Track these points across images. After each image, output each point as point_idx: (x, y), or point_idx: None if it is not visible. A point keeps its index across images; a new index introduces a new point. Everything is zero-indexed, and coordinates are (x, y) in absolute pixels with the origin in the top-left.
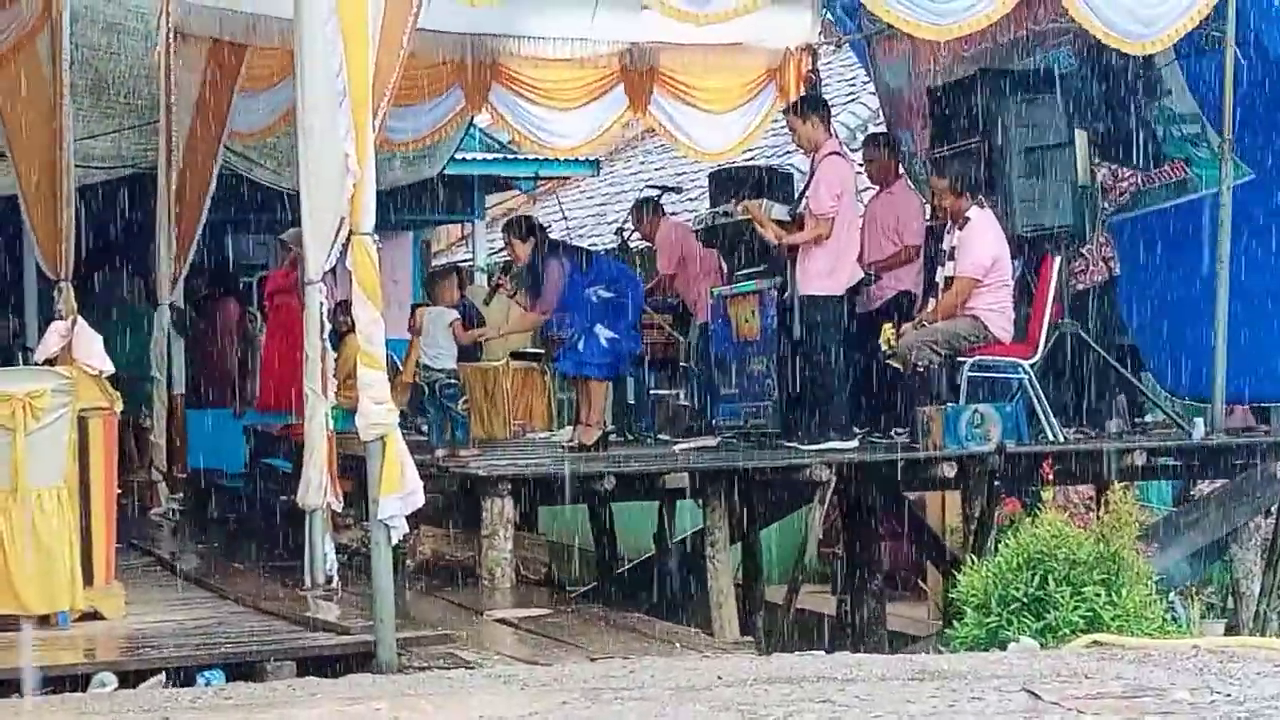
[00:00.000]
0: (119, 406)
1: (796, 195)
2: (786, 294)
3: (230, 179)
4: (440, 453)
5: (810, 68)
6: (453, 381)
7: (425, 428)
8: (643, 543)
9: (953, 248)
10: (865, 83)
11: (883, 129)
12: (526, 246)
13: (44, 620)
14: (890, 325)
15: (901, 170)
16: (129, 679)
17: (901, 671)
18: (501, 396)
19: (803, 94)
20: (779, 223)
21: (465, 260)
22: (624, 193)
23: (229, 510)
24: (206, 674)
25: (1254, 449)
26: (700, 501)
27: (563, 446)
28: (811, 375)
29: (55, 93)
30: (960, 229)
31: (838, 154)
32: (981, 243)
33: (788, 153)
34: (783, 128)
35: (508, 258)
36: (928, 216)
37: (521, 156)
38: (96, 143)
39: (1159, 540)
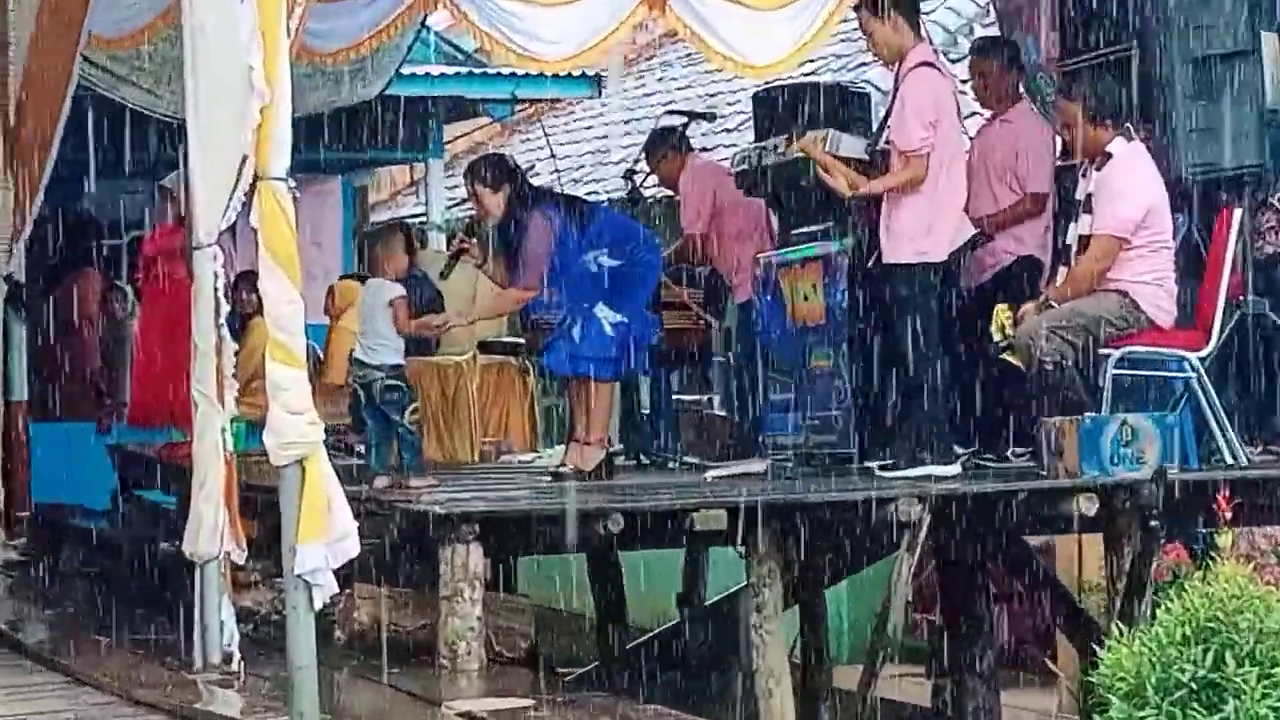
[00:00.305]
0: None
1: (876, 125)
2: (868, 263)
3: (89, 102)
4: (381, 482)
5: None
6: (397, 384)
7: (361, 448)
8: (662, 606)
9: (1089, 195)
10: None
11: (994, 32)
12: (500, 196)
13: None
14: (1006, 305)
15: (1022, 89)
16: None
17: None
18: (466, 404)
19: None
20: (851, 163)
21: (416, 216)
22: (635, 121)
23: (89, 562)
24: None
25: None
26: (743, 550)
27: (551, 473)
28: (900, 373)
29: None
30: (1099, 170)
31: (930, 65)
32: (1130, 188)
33: (862, 65)
34: (855, 30)
35: (474, 212)
36: (1059, 153)
37: (493, 71)
38: None
39: None
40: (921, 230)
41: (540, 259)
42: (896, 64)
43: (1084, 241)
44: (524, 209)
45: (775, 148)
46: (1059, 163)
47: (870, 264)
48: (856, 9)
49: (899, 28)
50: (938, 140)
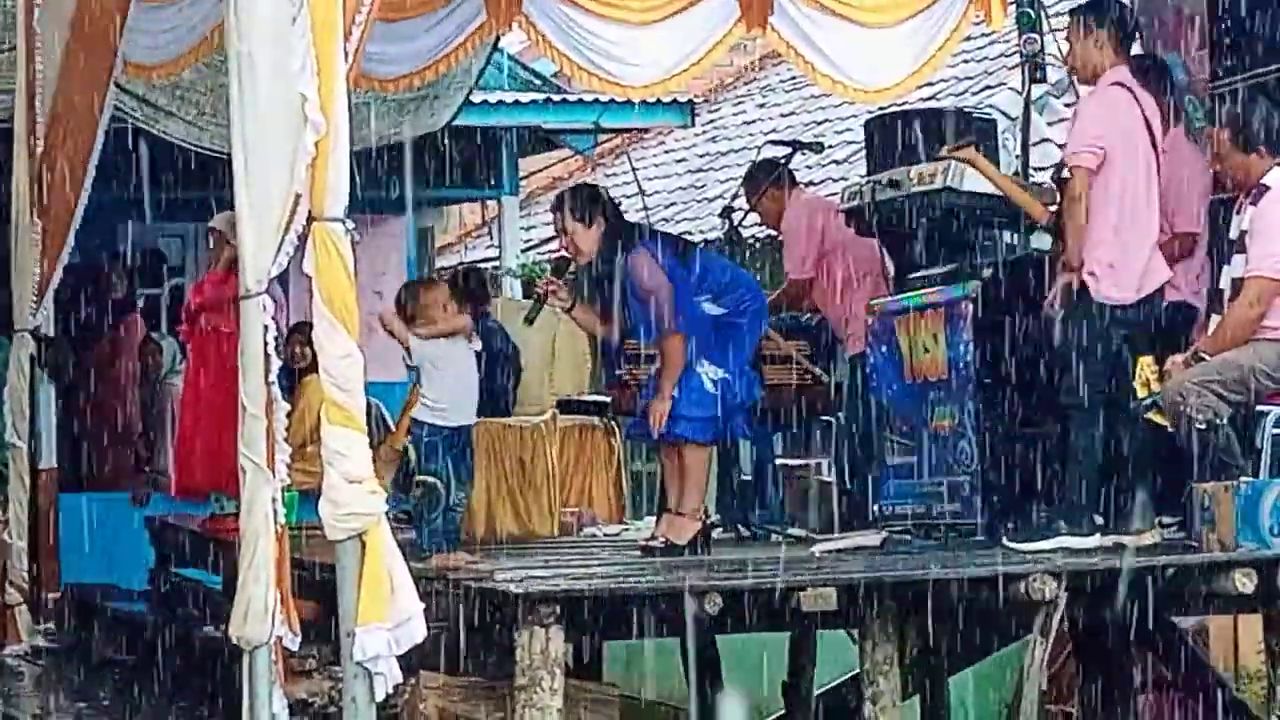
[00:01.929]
0: None
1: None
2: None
3: (127, 136)
4: (436, 560)
5: None
6: (461, 449)
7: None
8: (766, 696)
9: (1243, 233)
10: None
11: (1138, 50)
12: (593, 232)
13: None
14: (1151, 358)
15: (1171, 115)
16: None
17: None
18: (545, 470)
19: None
20: (981, 198)
21: (488, 259)
22: (733, 153)
23: (125, 649)
24: None
25: None
26: (856, 633)
27: (641, 547)
28: (1049, 430)
29: None
30: (1254, 204)
31: (1122, 85)
32: None
33: (987, 88)
34: (979, 49)
35: (561, 251)
36: (1213, 187)
37: (574, 98)
38: None
39: None
40: (1109, 264)
41: (665, 298)
42: (1090, 83)
43: (1236, 285)
44: (620, 247)
45: (893, 181)
46: (1213, 197)
47: (1013, 303)
48: (1073, 12)
49: (1102, 44)
50: (1121, 169)
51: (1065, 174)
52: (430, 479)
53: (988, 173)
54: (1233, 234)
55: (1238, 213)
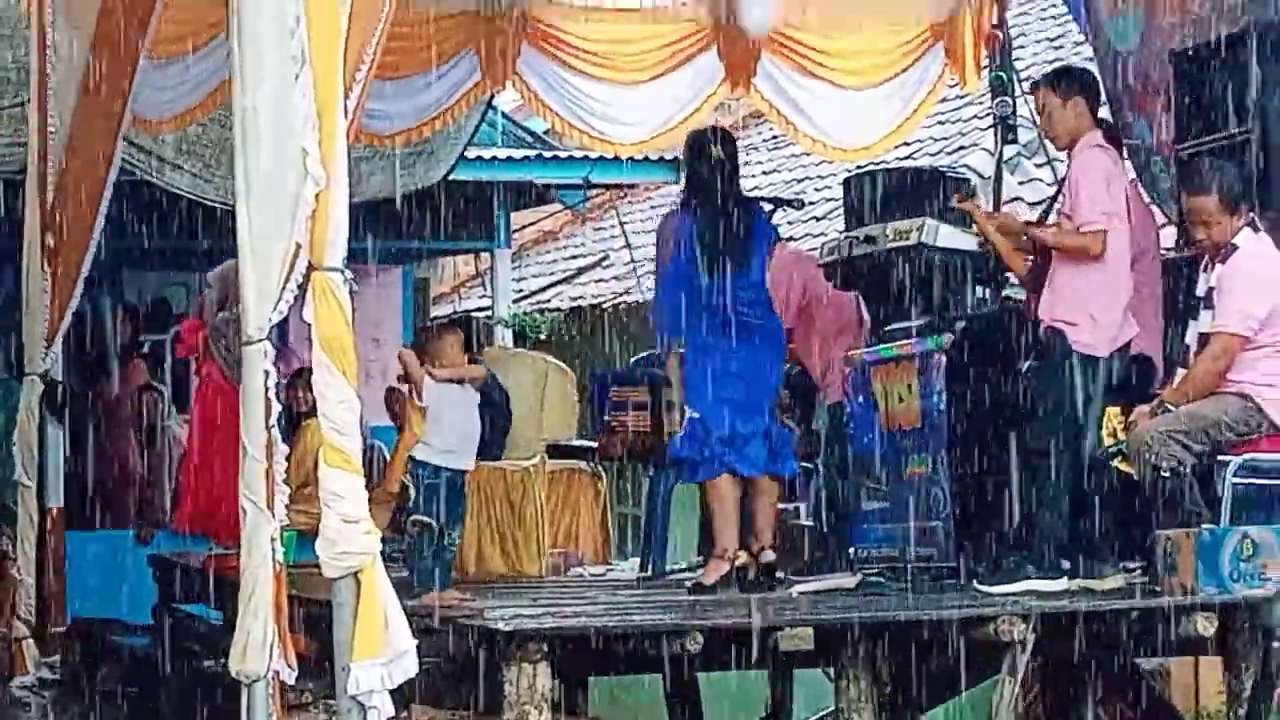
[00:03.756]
0: None
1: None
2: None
3: (133, 187)
4: (429, 597)
5: (995, 21)
6: (457, 491)
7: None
8: None
9: (1210, 290)
10: (1078, 43)
11: (1104, 113)
12: None
13: None
14: (1117, 408)
15: (1129, 168)
16: None
17: None
18: (533, 512)
19: (1064, 65)
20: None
21: (481, 309)
22: None
23: (128, 681)
24: None
25: None
26: (832, 672)
27: (688, 586)
28: (1019, 476)
29: None
30: (1222, 262)
31: (1104, 148)
32: (1254, 283)
33: (961, 149)
34: (953, 110)
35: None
36: (1170, 244)
37: (565, 155)
38: None
39: None
40: (1084, 314)
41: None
42: (1067, 149)
43: (1203, 340)
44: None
45: (869, 237)
46: (1172, 253)
47: (984, 354)
48: (1034, 88)
49: (1079, 111)
50: (1111, 225)
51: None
52: (426, 519)
53: (982, 225)
54: (1199, 291)
55: (1204, 270)
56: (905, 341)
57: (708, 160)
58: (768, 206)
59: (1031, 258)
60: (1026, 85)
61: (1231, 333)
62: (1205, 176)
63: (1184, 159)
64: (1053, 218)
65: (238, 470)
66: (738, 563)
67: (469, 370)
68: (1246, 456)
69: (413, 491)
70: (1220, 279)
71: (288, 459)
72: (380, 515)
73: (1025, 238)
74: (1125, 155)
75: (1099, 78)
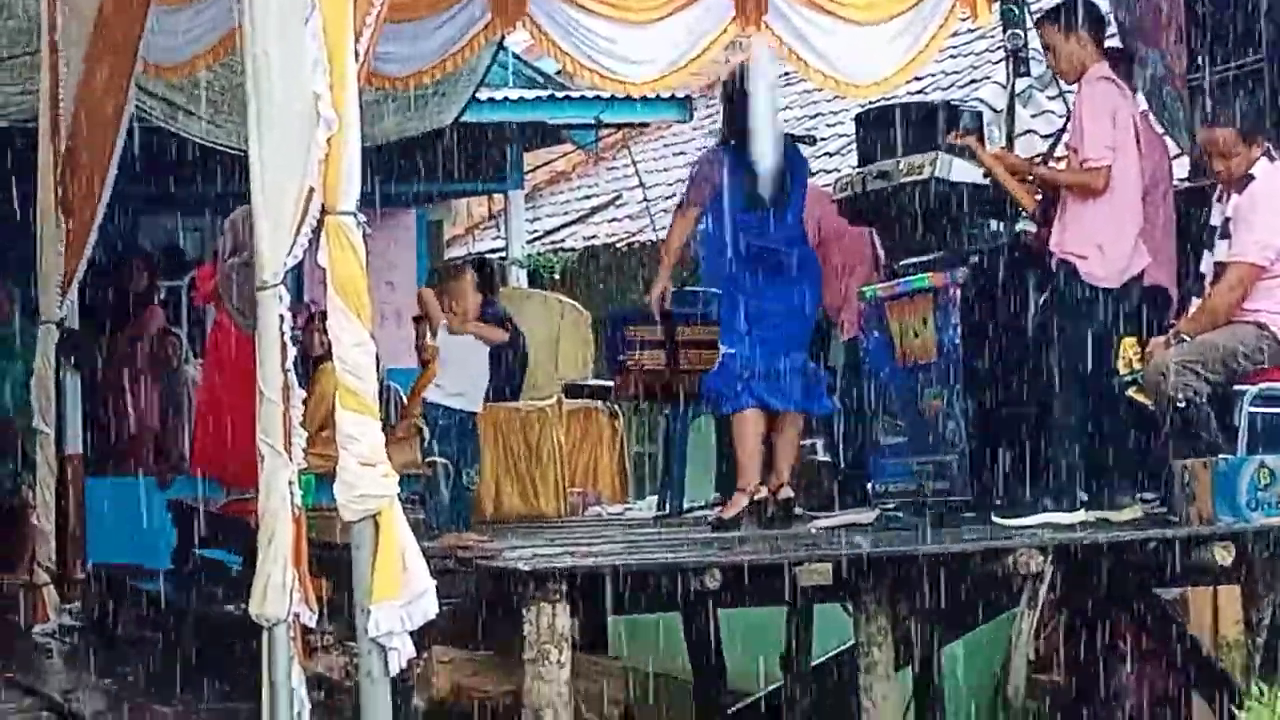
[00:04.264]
0: None
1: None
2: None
3: (145, 134)
4: (448, 538)
5: None
6: (466, 433)
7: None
8: (765, 667)
9: (1226, 221)
10: None
11: (1115, 41)
12: None
13: None
14: (1132, 339)
15: (1140, 97)
16: None
17: None
18: (551, 452)
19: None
20: (967, 188)
21: (495, 250)
22: None
23: (149, 626)
24: None
25: None
26: (851, 606)
27: (710, 522)
28: (1035, 409)
29: None
30: (1239, 193)
31: (1110, 80)
32: (1270, 213)
33: (973, 82)
34: (965, 44)
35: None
36: (1183, 174)
37: (576, 95)
38: None
39: None
40: (1100, 245)
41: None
42: (1075, 82)
43: (1219, 270)
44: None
45: (882, 172)
46: (1185, 182)
47: (999, 288)
48: (1038, 23)
49: (1084, 43)
50: (1120, 160)
51: (1081, 169)
52: (441, 460)
53: (986, 162)
54: (1214, 220)
55: (1219, 200)
56: (921, 276)
57: (739, 96)
58: None
59: (1039, 193)
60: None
61: (1249, 262)
62: (1223, 108)
63: (1196, 89)
64: (1061, 149)
65: (248, 415)
66: (757, 497)
67: (490, 332)
68: (1263, 385)
69: (427, 433)
70: (1237, 209)
71: (305, 403)
72: (404, 452)
73: (1030, 176)
74: (1137, 83)
75: (1103, 8)
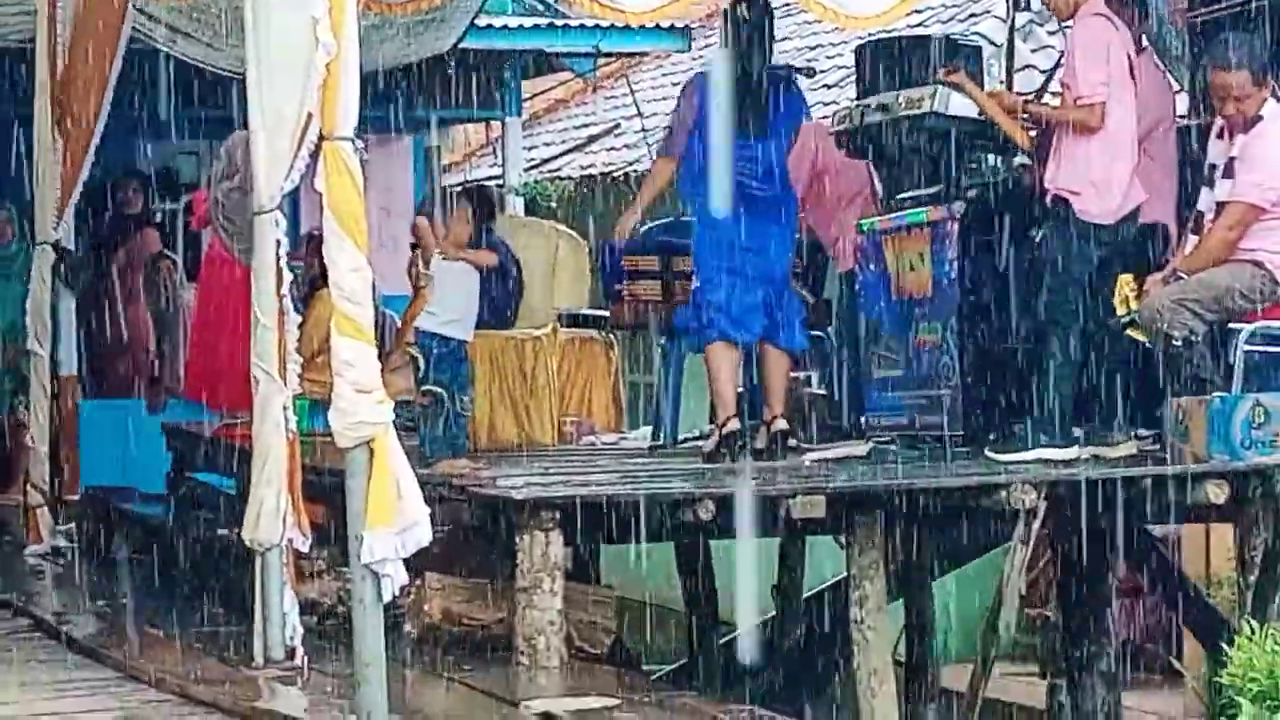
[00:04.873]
0: None
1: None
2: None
3: (143, 57)
4: (442, 466)
5: None
6: (458, 360)
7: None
8: (757, 600)
9: (1230, 160)
10: None
11: None
12: None
13: None
14: (1130, 276)
15: (1145, 42)
16: None
17: None
18: (546, 381)
19: None
20: (966, 122)
21: (492, 178)
22: None
23: (142, 549)
24: None
25: None
26: (844, 539)
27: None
28: (1029, 344)
29: None
30: (1244, 133)
31: (1103, 15)
32: (1276, 155)
33: (972, 15)
34: None
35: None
36: (1183, 110)
37: (575, 23)
38: None
39: None
40: (1096, 184)
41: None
42: (1068, 18)
43: (1219, 209)
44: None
45: (882, 105)
46: (1184, 120)
47: (996, 223)
48: None
49: None
50: (1113, 98)
51: (1076, 106)
52: (436, 388)
53: (976, 98)
54: (1213, 159)
55: (1219, 138)
56: (918, 210)
57: (738, 24)
58: (779, 74)
59: (1033, 130)
60: None
61: (1249, 203)
62: (1235, 52)
63: (1197, 27)
64: (1055, 85)
65: (241, 340)
66: (725, 430)
67: (480, 256)
68: (1259, 324)
69: (420, 361)
70: (1243, 148)
71: (300, 327)
72: (398, 380)
73: (1025, 114)
74: (1135, 18)
75: None
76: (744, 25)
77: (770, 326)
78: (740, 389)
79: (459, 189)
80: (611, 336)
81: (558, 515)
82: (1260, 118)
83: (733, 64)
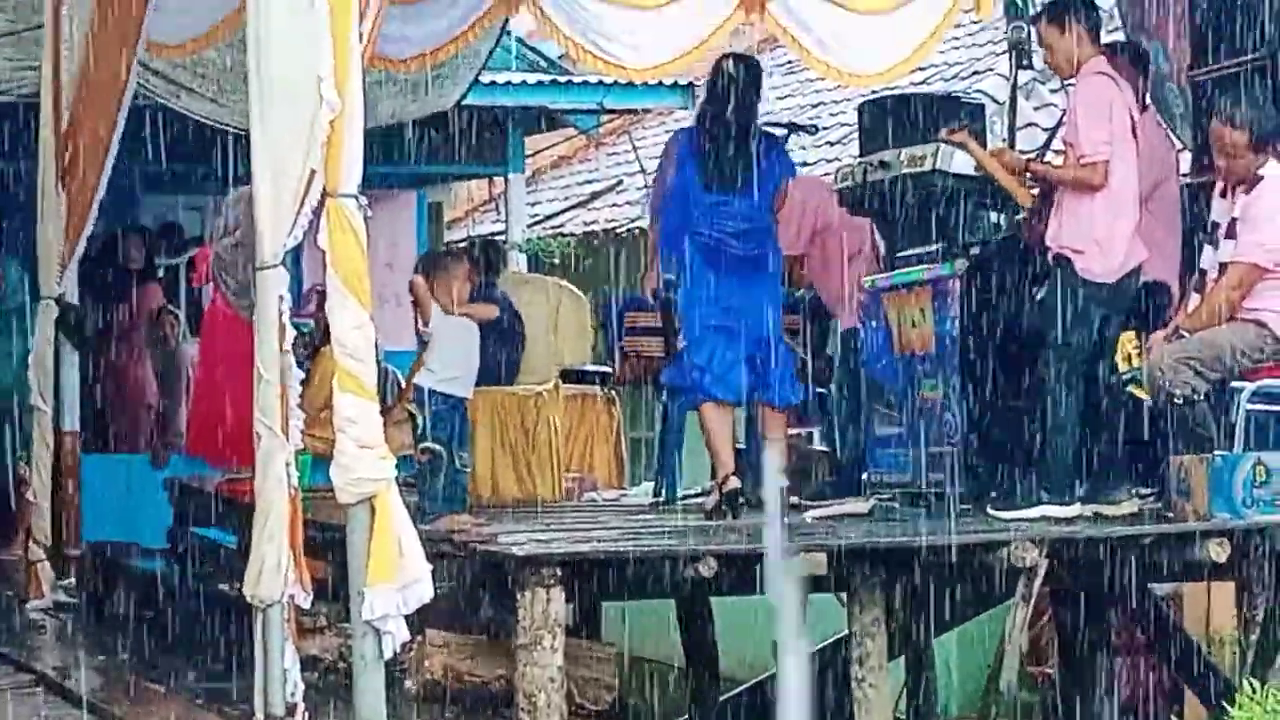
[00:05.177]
0: None
1: (1005, 138)
2: (993, 280)
3: (148, 112)
4: (443, 522)
5: None
6: (456, 417)
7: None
8: (757, 656)
9: (1233, 220)
10: None
11: (1118, 34)
12: None
13: None
14: (1131, 333)
15: (1149, 100)
16: None
17: None
18: (547, 437)
19: None
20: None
21: (495, 233)
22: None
23: (144, 604)
24: None
25: None
26: (844, 596)
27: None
28: (1023, 401)
29: None
30: (1246, 192)
31: (1105, 74)
32: (1277, 215)
33: (975, 74)
34: (969, 35)
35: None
36: (1184, 169)
37: (579, 80)
38: None
39: None
40: (1098, 242)
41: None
42: (1071, 76)
43: (1222, 269)
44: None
45: (884, 163)
46: (1187, 179)
47: (998, 280)
48: (1034, 20)
49: (1080, 39)
50: (1116, 157)
51: (1077, 165)
52: (436, 445)
53: (979, 157)
54: (1216, 217)
55: (1222, 196)
56: (920, 268)
57: (722, 80)
58: (781, 131)
59: (1035, 189)
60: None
61: (1252, 263)
62: (1236, 110)
63: (1198, 84)
64: (1058, 144)
65: (244, 395)
66: (725, 488)
67: (480, 310)
68: (1261, 383)
69: (419, 418)
70: (1245, 208)
71: (304, 384)
72: (399, 435)
73: (1028, 173)
74: (1139, 76)
75: (1104, 3)
76: (729, 80)
77: (758, 383)
78: (740, 445)
79: (454, 248)
80: (613, 393)
81: (559, 571)
82: (1261, 177)
83: (714, 119)
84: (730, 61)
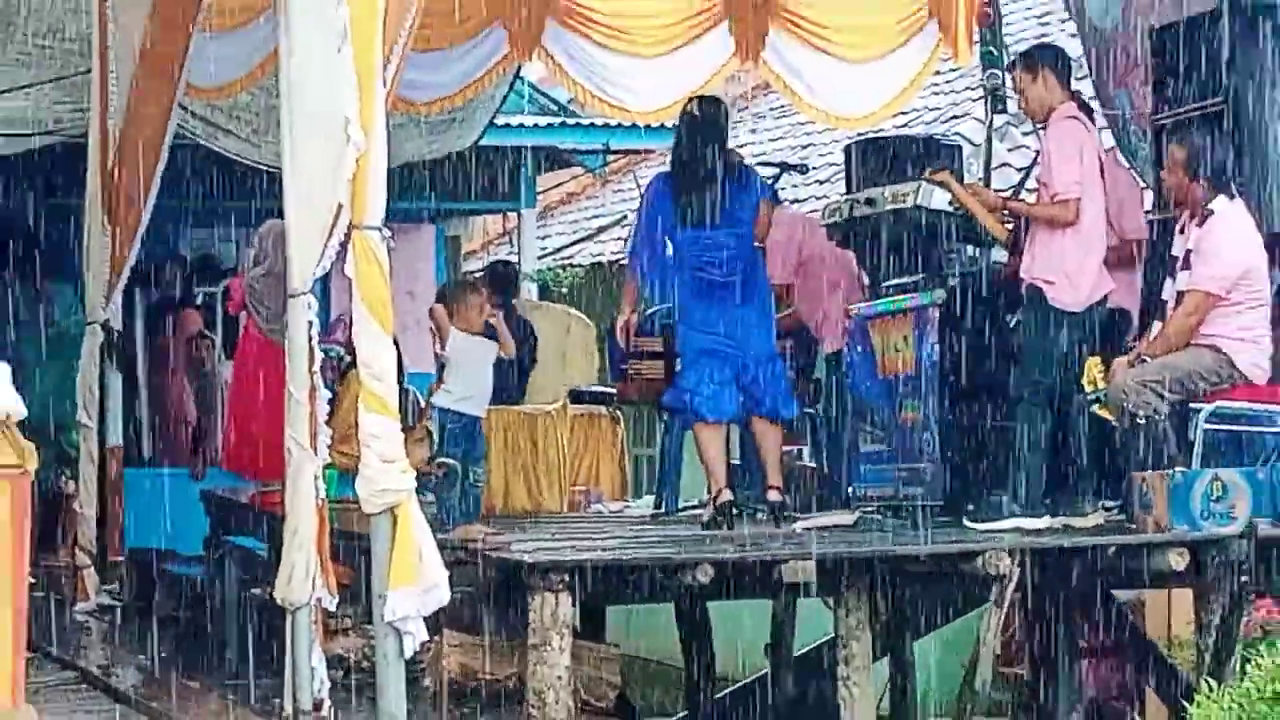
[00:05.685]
0: (33, 464)
1: (979, 177)
2: (972, 310)
3: (188, 151)
4: (459, 531)
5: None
6: (472, 435)
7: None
8: (751, 657)
9: (1188, 252)
10: (1063, 20)
11: (1086, 83)
12: None
13: None
14: (1097, 358)
15: (1111, 140)
16: None
17: None
18: (556, 453)
19: (1032, 45)
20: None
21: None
22: None
23: (182, 607)
24: None
25: None
26: (831, 601)
27: (702, 522)
28: (1004, 421)
29: None
30: (1199, 226)
31: (1076, 118)
32: (1228, 246)
33: (954, 118)
34: (947, 82)
35: None
36: (1147, 206)
37: (586, 122)
38: (2, 102)
39: None
40: (1069, 273)
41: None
42: (1043, 122)
43: (1179, 298)
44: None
45: (868, 200)
46: (1154, 216)
47: (974, 309)
48: (1010, 68)
49: (1050, 86)
50: (1086, 195)
51: (1050, 203)
52: (451, 460)
53: (959, 195)
54: (1175, 250)
55: (1181, 232)
56: (903, 297)
57: (688, 120)
58: (773, 170)
59: (1010, 224)
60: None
61: (1205, 291)
62: (1174, 141)
63: (1160, 128)
64: (1031, 183)
65: (275, 414)
66: (719, 501)
67: (504, 339)
68: (1217, 404)
69: (436, 436)
70: (1198, 242)
71: (331, 404)
72: (419, 451)
73: (1005, 210)
74: (1098, 122)
75: (1073, 52)
76: (695, 120)
77: (751, 401)
78: (736, 461)
79: (470, 278)
80: (617, 412)
81: (567, 577)
82: (1212, 211)
83: (687, 159)
84: (695, 104)
